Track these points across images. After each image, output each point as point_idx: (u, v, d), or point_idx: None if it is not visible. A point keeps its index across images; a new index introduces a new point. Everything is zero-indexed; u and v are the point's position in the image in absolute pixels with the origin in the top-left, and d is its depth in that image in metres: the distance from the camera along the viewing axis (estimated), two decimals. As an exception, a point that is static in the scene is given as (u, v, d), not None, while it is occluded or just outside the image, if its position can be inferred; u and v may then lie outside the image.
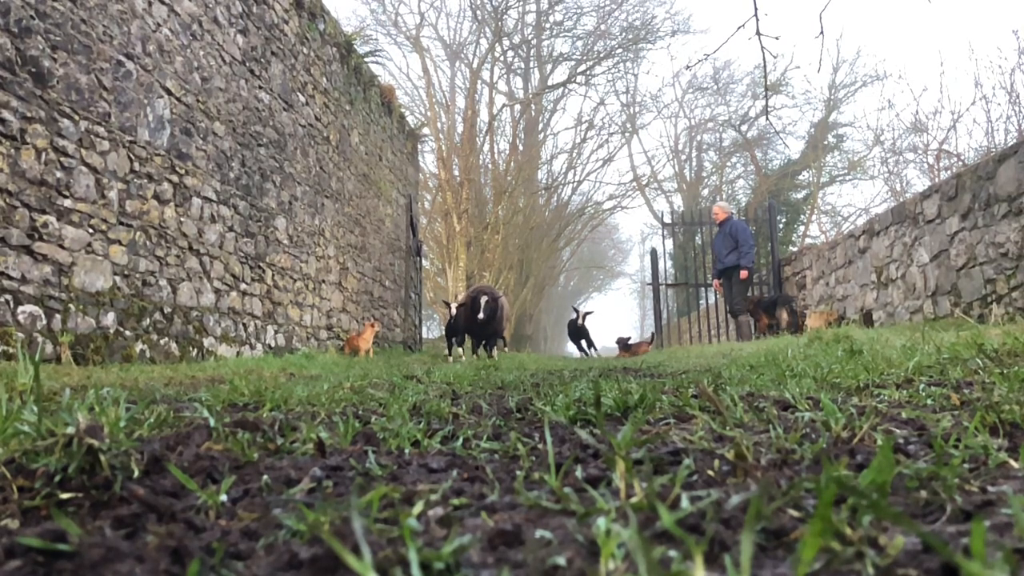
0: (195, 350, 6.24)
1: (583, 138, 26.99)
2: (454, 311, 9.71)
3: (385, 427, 1.49)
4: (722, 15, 24.29)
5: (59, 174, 4.73)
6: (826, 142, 23.05)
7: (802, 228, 22.65)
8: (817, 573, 0.59)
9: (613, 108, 34.79)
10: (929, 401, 1.65)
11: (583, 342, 13.04)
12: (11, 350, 4.16)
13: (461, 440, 1.33)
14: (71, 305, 4.79)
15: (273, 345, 7.81)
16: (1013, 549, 0.62)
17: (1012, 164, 6.00)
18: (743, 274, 9.87)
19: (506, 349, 12.42)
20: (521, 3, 24.16)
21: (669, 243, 14.40)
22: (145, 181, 5.66)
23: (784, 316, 9.54)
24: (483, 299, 9.22)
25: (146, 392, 2.44)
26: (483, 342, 10.68)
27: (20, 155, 4.41)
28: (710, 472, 0.97)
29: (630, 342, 13.34)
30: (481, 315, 9.13)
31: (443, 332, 10.94)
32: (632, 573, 0.58)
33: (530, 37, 25.47)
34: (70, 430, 0.93)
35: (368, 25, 22.92)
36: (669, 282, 16.27)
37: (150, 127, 5.76)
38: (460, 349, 9.98)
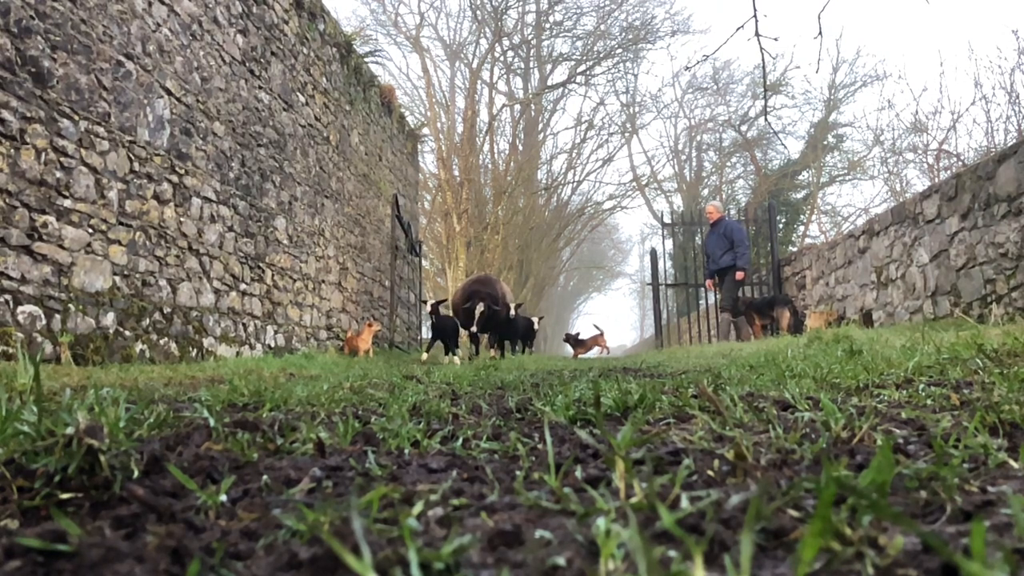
0: (195, 350, 6.24)
1: (583, 138, 27.02)
2: (428, 309, 9.09)
3: (385, 427, 1.49)
4: (722, 15, 24.31)
5: (59, 174, 4.73)
6: (826, 142, 23.04)
7: (802, 228, 22.65)
8: (817, 573, 0.59)
9: (613, 108, 34.82)
10: (929, 401, 1.65)
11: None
12: (11, 350, 4.16)
13: (461, 440, 1.33)
14: (71, 305, 4.79)
15: (273, 345, 7.81)
16: (1013, 549, 0.62)
17: (1012, 164, 6.00)
18: (739, 275, 9.80)
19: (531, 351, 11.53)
20: (521, 3, 24.18)
21: (669, 243, 14.41)
22: (145, 181, 5.66)
23: (786, 316, 9.52)
24: (478, 309, 8.50)
25: (146, 392, 2.44)
26: (497, 342, 9.97)
27: (20, 155, 4.41)
28: (710, 472, 0.97)
29: (581, 337, 13.06)
30: (474, 328, 8.52)
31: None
32: (632, 573, 0.58)
33: (530, 37, 25.48)
34: (70, 430, 0.93)
35: (368, 25, 22.96)
36: (669, 282, 16.28)
37: (150, 127, 5.76)
38: (455, 354, 9.44)
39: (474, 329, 8.46)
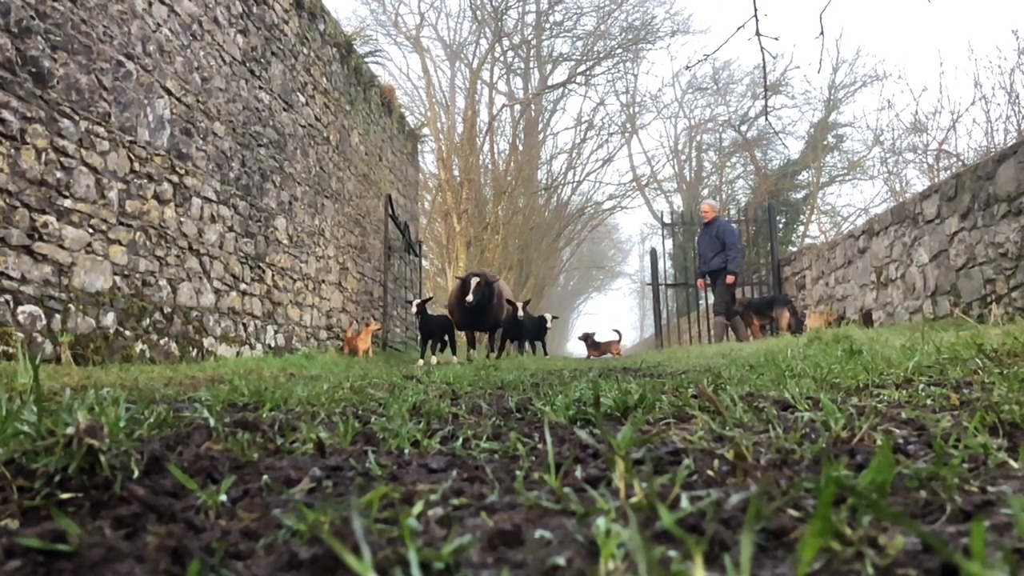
0: (195, 350, 6.24)
1: (583, 138, 27.01)
2: (414, 309, 8.86)
3: (385, 427, 1.49)
4: (722, 15, 24.34)
5: (59, 174, 4.73)
6: (826, 142, 23.04)
7: (802, 228, 22.64)
8: (817, 573, 0.59)
9: (613, 108, 34.76)
10: (929, 401, 1.65)
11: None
12: (11, 350, 4.16)
13: (461, 440, 1.33)
14: (71, 305, 4.79)
15: (273, 345, 7.81)
16: (1013, 549, 0.62)
17: (1011, 164, 6.01)
18: (730, 279, 9.70)
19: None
20: (521, 3, 24.18)
21: (669, 243, 14.41)
22: (145, 181, 5.66)
23: (786, 316, 9.51)
24: (473, 280, 8.26)
25: (146, 392, 2.44)
26: (492, 338, 9.73)
27: (20, 155, 4.41)
28: (710, 472, 0.97)
29: (598, 339, 12.68)
30: (470, 298, 8.10)
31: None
32: (632, 573, 0.58)
33: (530, 37, 25.48)
34: (70, 430, 0.93)
35: (368, 25, 22.95)
36: (669, 282, 16.28)
37: (150, 127, 5.76)
38: (440, 352, 9.25)
39: (470, 298, 8.15)
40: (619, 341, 12.72)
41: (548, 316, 10.67)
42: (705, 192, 26.94)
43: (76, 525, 0.73)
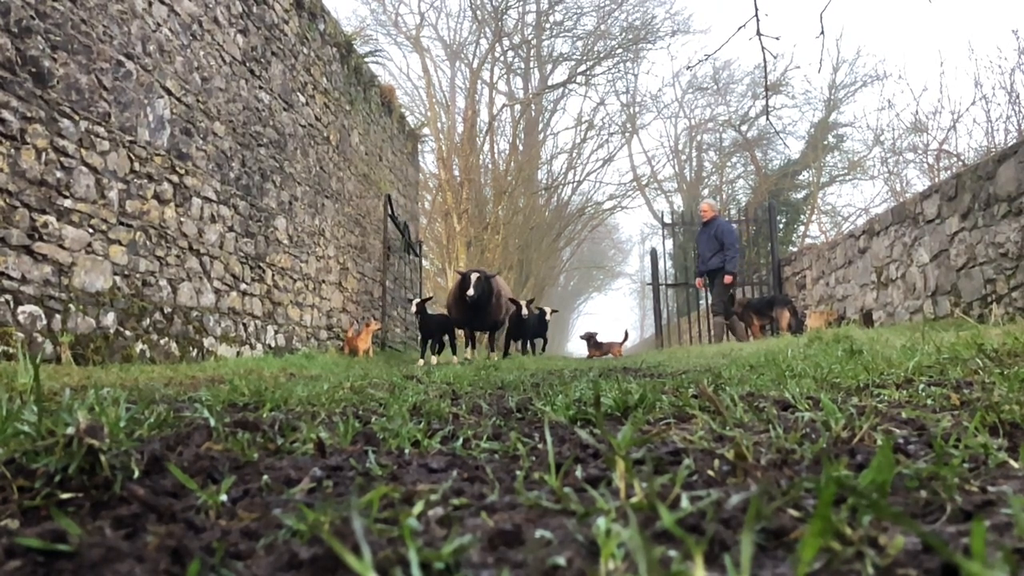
0: (195, 350, 6.24)
1: (583, 138, 27.00)
2: (414, 309, 8.83)
3: (385, 427, 1.49)
4: (722, 15, 24.32)
5: (59, 174, 4.73)
6: (826, 142, 23.03)
7: (802, 228, 22.64)
8: (817, 573, 0.59)
9: (613, 108, 34.73)
10: (929, 401, 1.65)
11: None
12: (11, 350, 4.16)
13: (461, 440, 1.33)
14: (71, 305, 4.79)
15: (273, 345, 7.81)
16: (1013, 549, 0.62)
17: (1012, 164, 6.00)
18: (727, 279, 9.73)
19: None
20: (521, 3, 24.17)
21: (669, 243, 14.42)
22: (145, 181, 5.66)
23: (786, 316, 9.51)
24: (474, 276, 8.31)
25: (146, 392, 2.44)
26: (489, 338, 9.78)
27: (20, 155, 4.41)
28: (710, 472, 0.97)
29: (600, 339, 12.58)
30: (471, 292, 8.14)
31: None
32: (632, 573, 0.58)
33: (530, 37, 25.48)
34: (70, 430, 0.93)
35: (368, 25, 22.95)
36: (669, 282, 16.29)
37: (150, 127, 5.76)
38: (438, 353, 9.23)
39: (471, 292, 8.16)
40: (623, 342, 12.68)
41: (548, 309, 10.57)
42: (705, 192, 26.93)
43: (76, 525, 0.73)
